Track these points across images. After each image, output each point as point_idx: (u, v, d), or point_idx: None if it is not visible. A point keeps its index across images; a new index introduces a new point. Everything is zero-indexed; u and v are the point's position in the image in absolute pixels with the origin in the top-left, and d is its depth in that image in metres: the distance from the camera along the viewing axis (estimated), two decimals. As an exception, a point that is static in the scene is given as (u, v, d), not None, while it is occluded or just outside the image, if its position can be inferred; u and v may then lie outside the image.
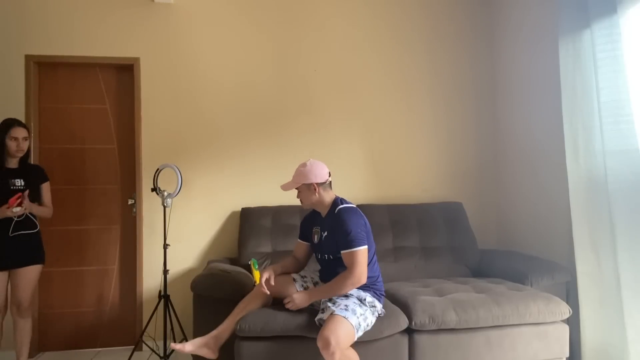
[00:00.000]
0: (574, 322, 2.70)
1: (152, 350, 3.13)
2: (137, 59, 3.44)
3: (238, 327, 2.23)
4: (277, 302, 2.42)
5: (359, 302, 2.22)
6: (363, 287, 2.29)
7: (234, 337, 2.27)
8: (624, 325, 2.38)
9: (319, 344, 2.03)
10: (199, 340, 2.24)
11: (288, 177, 2.45)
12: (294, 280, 2.41)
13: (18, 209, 2.57)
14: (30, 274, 2.73)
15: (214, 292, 2.56)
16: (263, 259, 3.09)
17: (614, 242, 2.43)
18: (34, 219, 2.75)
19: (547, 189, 3.20)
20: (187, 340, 2.43)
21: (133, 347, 3.22)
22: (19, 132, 2.68)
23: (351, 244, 2.19)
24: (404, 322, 2.36)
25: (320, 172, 2.32)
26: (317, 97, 3.62)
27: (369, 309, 2.24)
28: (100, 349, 3.42)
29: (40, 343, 3.35)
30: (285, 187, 2.36)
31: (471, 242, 3.34)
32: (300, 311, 2.32)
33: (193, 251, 3.45)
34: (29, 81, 3.33)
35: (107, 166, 3.49)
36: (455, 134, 3.76)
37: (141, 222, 3.41)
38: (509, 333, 2.44)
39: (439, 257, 3.25)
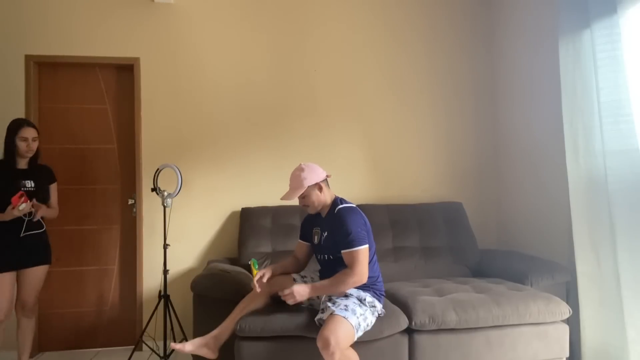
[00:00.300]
0: (574, 322, 2.70)
1: (152, 350, 3.13)
2: (137, 59, 3.44)
3: (238, 327, 2.23)
4: (277, 302, 2.42)
5: (359, 302, 2.22)
6: (363, 287, 2.29)
7: (234, 337, 2.27)
8: (624, 325, 2.38)
9: (319, 344, 2.03)
10: (198, 340, 2.24)
11: (288, 177, 2.43)
12: (294, 280, 2.41)
13: (24, 205, 2.54)
14: (38, 274, 2.73)
15: (214, 292, 2.56)
16: (263, 259, 3.09)
17: (614, 242, 2.43)
18: (40, 219, 2.74)
19: (547, 189, 3.20)
20: (187, 340, 2.43)
21: (133, 347, 3.23)
22: (29, 133, 2.67)
23: (352, 243, 2.19)
24: (404, 322, 2.36)
25: (318, 171, 2.34)
26: (317, 98, 3.62)
27: (368, 309, 2.24)
28: (100, 349, 3.42)
29: (40, 343, 3.35)
30: (291, 196, 2.29)
31: (471, 242, 3.34)
32: (300, 311, 2.32)
33: (193, 251, 3.46)
34: (29, 81, 3.33)
35: (107, 166, 3.49)
36: (455, 134, 3.76)
37: (141, 222, 3.41)
38: (509, 333, 2.44)
39: (439, 257, 3.25)
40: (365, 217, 2.33)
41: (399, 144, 3.70)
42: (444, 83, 3.77)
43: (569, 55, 2.71)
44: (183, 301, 3.32)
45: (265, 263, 3.07)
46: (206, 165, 3.49)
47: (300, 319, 2.26)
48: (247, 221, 3.27)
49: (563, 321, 2.52)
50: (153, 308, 3.18)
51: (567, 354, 2.51)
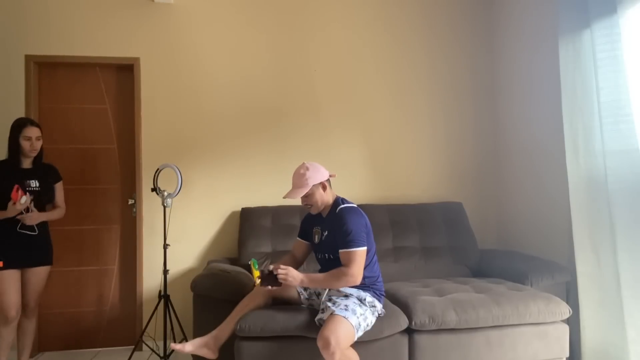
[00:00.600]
0: (574, 322, 2.70)
1: (152, 350, 3.13)
2: (137, 59, 3.44)
3: (238, 327, 2.23)
4: (277, 302, 2.42)
5: (359, 302, 2.22)
6: (363, 287, 2.29)
7: (234, 337, 2.27)
8: (624, 325, 2.38)
9: (319, 343, 2.03)
10: (198, 341, 2.24)
11: (288, 177, 2.43)
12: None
13: (24, 198, 2.52)
14: (40, 275, 2.73)
15: (214, 292, 2.56)
16: (263, 259, 3.09)
17: (614, 242, 2.43)
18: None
19: (547, 189, 3.20)
20: (187, 340, 2.43)
21: (133, 347, 3.22)
22: (32, 132, 2.66)
23: (350, 244, 2.19)
24: (404, 322, 2.36)
25: (322, 170, 2.34)
26: (317, 98, 3.62)
27: (369, 309, 2.24)
28: (100, 349, 3.42)
29: (40, 343, 3.35)
30: (295, 195, 2.28)
31: (471, 242, 3.34)
32: (300, 311, 2.32)
33: (193, 251, 3.45)
34: (29, 81, 3.33)
35: (107, 166, 3.49)
36: (455, 134, 3.76)
37: (141, 222, 3.41)
38: (509, 333, 2.44)
39: (439, 257, 3.25)
40: (366, 217, 2.33)
41: (399, 144, 3.70)
42: (444, 83, 3.77)
43: (569, 55, 2.71)
44: (183, 301, 3.32)
45: (265, 263, 3.07)
46: (206, 165, 3.49)
47: (300, 319, 2.26)
48: (247, 221, 3.27)
49: (563, 321, 2.52)
50: (153, 308, 3.18)
51: (567, 354, 2.51)
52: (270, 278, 2.16)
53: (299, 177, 2.30)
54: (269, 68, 3.58)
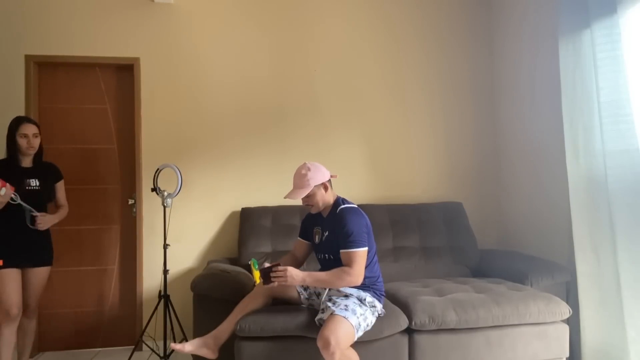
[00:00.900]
0: (574, 322, 2.70)
1: (152, 350, 3.13)
2: (137, 59, 3.44)
3: (238, 327, 2.23)
4: (277, 302, 2.43)
5: (359, 302, 2.22)
6: (363, 287, 2.29)
7: (234, 337, 2.27)
8: (624, 325, 2.38)
9: (319, 343, 2.03)
10: (198, 341, 2.24)
11: (288, 177, 2.44)
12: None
13: (3, 190, 2.43)
14: (41, 275, 2.71)
15: (214, 292, 2.56)
16: (263, 259, 3.09)
17: (614, 242, 2.43)
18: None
19: (547, 189, 3.20)
20: (187, 340, 2.43)
21: (133, 347, 3.23)
22: (29, 129, 2.63)
23: (351, 244, 2.19)
24: (404, 322, 2.36)
25: (323, 171, 2.34)
26: (317, 98, 3.62)
27: (369, 309, 2.24)
28: (100, 349, 3.42)
29: (40, 343, 3.35)
30: (296, 195, 2.27)
31: (471, 242, 3.34)
32: (300, 311, 2.32)
33: (193, 251, 3.46)
34: (29, 81, 3.33)
35: (107, 166, 3.49)
36: (455, 134, 3.76)
37: (141, 222, 3.41)
38: (509, 333, 2.44)
39: (439, 257, 3.25)
40: (367, 218, 2.33)
41: (399, 144, 3.70)
42: (444, 83, 3.77)
43: (569, 55, 2.71)
44: (183, 301, 3.32)
45: (264, 263, 3.07)
46: (206, 165, 3.49)
47: (300, 319, 2.26)
48: (247, 221, 3.27)
49: (563, 321, 2.52)
50: (153, 308, 3.18)
51: (567, 354, 2.51)
52: (266, 276, 2.16)
53: (300, 178, 2.29)
54: (269, 68, 3.58)
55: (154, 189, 3.05)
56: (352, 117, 3.65)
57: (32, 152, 2.67)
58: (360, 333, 2.17)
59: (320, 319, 2.18)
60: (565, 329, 2.50)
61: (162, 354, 2.99)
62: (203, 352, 2.22)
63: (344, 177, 3.55)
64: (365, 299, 2.25)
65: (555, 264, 2.91)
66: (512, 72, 3.59)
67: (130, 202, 3.47)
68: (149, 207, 3.41)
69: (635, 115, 2.35)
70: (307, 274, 2.19)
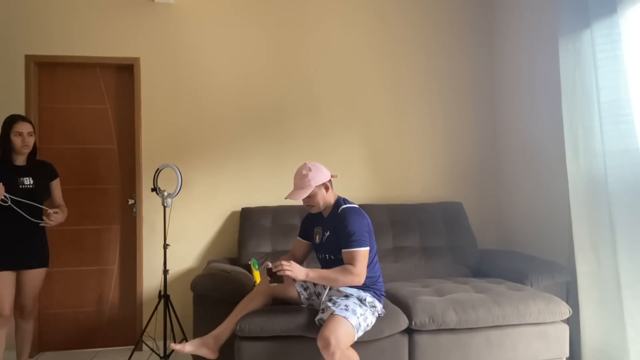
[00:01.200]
0: (574, 322, 2.70)
1: (152, 350, 3.13)
2: (137, 59, 3.44)
3: (238, 327, 2.23)
4: (277, 302, 2.43)
5: (359, 302, 2.22)
6: (363, 287, 2.29)
7: (234, 337, 2.27)
8: (624, 325, 2.38)
9: (319, 344, 2.03)
10: (198, 341, 2.24)
11: (288, 177, 2.43)
12: (294, 280, 2.41)
13: None
14: (37, 277, 2.68)
15: (214, 292, 2.56)
16: (263, 259, 3.09)
17: (614, 242, 2.43)
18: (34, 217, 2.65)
19: (547, 189, 3.20)
20: (187, 340, 2.43)
21: (133, 347, 3.22)
22: (24, 127, 2.60)
23: (353, 244, 2.19)
24: (404, 322, 2.36)
25: (324, 171, 2.33)
26: (317, 98, 3.62)
27: (369, 309, 2.24)
28: (100, 349, 3.42)
29: (40, 343, 3.35)
30: (297, 196, 2.26)
31: (471, 242, 3.34)
32: (300, 311, 2.32)
33: (193, 251, 3.46)
34: (29, 81, 3.33)
35: (107, 166, 3.49)
36: (455, 134, 3.76)
37: (141, 222, 3.41)
38: (509, 333, 2.44)
39: (439, 257, 3.25)
40: (368, 217, 2.33)
41: (399, 143, 3.70)
42: (444, 83, 3.77)
43: (569, 55, 2.71)
44: (183, 301, 3.32)
45: (265, 264, 3.07)
46: (206, 165, 3.49)
47: (300, 319, 2.26)
48: (247, 221, 3.27)
49: (563, 321, 2.52)
50: (153, 308, 3.18)
51: (567, 354, 2.51)
52: (273, 275, 2.16)
53: (301, 178, 2.29)
54: (269, 68, 3.58)
55: (154, 189, 3.05)
56: (352, 117, 3.65)
57: (27, 150, 2.64)
58: (361, 333, 2.17)
59: (321, 319, 2.18)
60: (565, 329, 2.50)
61: (162, 354, 2.99)
62: (203, 352, 2.22)
63: (344, 177, 3.54)
64: (365, 299, 2.25)
65: (555, 264, 2.91)
66: (512, 72, 3.59)
67: (130, 202, 3.47)
68: (149, 207, 3.41)
69: (635, 115, 2.35)
70: (311, 270, 2.18)
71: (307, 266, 2.58)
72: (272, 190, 3.48)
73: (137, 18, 3.45)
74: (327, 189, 2.33)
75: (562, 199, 2.96)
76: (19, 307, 2.66)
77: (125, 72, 3.50)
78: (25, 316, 2.71)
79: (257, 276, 2.34)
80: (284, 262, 2.13)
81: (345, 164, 3.60)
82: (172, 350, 2.56)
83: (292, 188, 2.35)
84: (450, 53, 3.78)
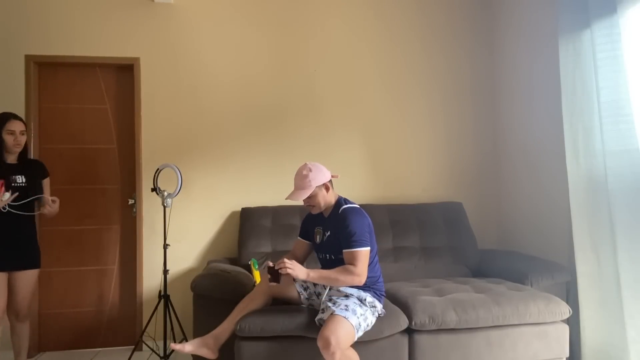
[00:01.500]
0: (574, 322, 2.70)
1: (152, 350, 3.13)
2: (137, 59, 3.44)
3: (238, 327, 2.23)
4: (277, 302, 2.43)
5: (359, 302, 2.22)
6: (363, 288, 2.29)
7: (234, 337, 2.27)
8: (624, 325, 2.39)
9: (319, 344, 2.03)
10: (198, 341, 2.24)
11: (288, 177, 2.43)
12: (294, 280, 2.41)
13: (7, 195, 2.47)
14: (30, 279, 2.66)
15: (214, 292, 2.56)
16: (263, 259, 3.08)
17: (614, 242, 2.43)
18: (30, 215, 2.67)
19: (547, 189, 3.20)
20: (187, 340, 2.43)
21: (133, 347, 3.22)
22: (16, 126, 2.60)
23: (354, 244, 2.19)
24: (404, 322, 2.36)
25: (324, 171, 2.33)
26: (317, 98, 3.62)
27: (369, 309, 2.24)
28: (100, 349, 3.42)
29: (40, 343, 3.35)
30: (298, 197, 2.26)
31: (471, 242, 3.34)
32: (300, 311, 2.32)
33: (193, 251, 3.46)
34: (29, 81, 3.33)
35: (107, 166, 3.49)
36: (455, 134, 3.76)
37: (141, 222, 3.41)
38: (509, 333, 2.44)
39: (439, 257, 3.25)
40: (369, 218, 2.33)
41: (399, 143, 3.70)
42: (444, 83, 3.77)
43: (569, 55, 2.71)
44: (183, 301, 3.32)
45: (265, 263, 3.07)
46: (206, 165, 3.49)
47: (300, 319, 2.26)
48: (247, 221, 3.27)
49: (563, 321, 2.53)
50: (153, 308, 3.18)
51: (567, 354, 2.51)
52: (274, 273, 2.15)
53: (301, 179, 2.29)
54: (269, 68, 3.58)
55: (154, 189, 3.05)
56: (352, 117, 3.65)
57: (18, 149, 2.64)
58: (361, 333, 2.17)
59: (321, 319, 2.18)
60: (565, 329, 2.50)
61: (162, 354, 2.99)
62: (203, 352, 2.22)
63: (344, 177, 3.54)
64: (365, 299, 2.25)
65: (555, 264, 2.91)
66: (512, 72, 3.59)
67: (130, 202, 3.47)
68: (149, 207, 3.41)
69: (635, 115, 2.35)
70: (312, 269, 2.19)
71: (308, 266, 2.59)
72: (272, 190, 3.48)
73: (137, 18, 3.45)
74: (327, 189, 2.33)
75: (562, 199, 2.96)
76: (13, 310, 2.65)
77: (125, 72, 3.50)
78: (21, 319, 2.69)
79: (257, 276, 2.34)
80: (286, 260, 2.14)
81: (345, 164, 3.60)
82: (172, 350, 2.57)
83: (292, 188, 2.35)
84: (450, 53, 3.78)
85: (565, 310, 2.48)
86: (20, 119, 2.66)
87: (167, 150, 3.45)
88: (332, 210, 2.37)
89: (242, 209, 3.37)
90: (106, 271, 3.47)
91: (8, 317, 2.67)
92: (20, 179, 2.63)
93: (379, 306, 2.30)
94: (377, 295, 2.32)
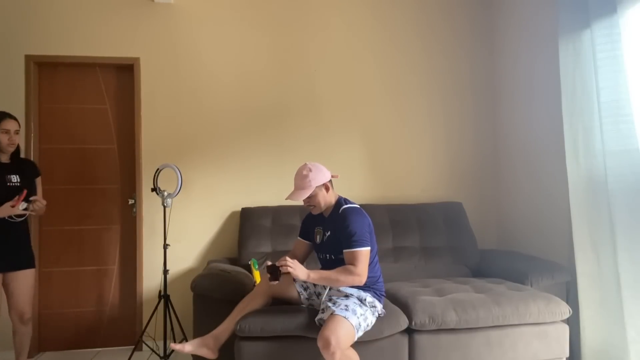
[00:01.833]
0: (574, 322, 2.70)
1: (152, 350, 3.13)
2: (137, 59, 3.44)
3: (238, 327, 2.23)
4: (277, 302, 2.43)
5: (359, 302, 2.22)
6: (363, 288, 2.29)
7: (234, 337, 2.27)
8: (624, 325, 2.38)
9: (320, 344, 2.03)
10: (198, 341, 2.24)
11: (288, 177, 2.43)
12: (294, 280, 2.41)
13: (23, 204, 2.52)
14: (29, 279, 2.66)
15: (214, 292, 2.56)
16: (263, 259, 3.09)
17: (614, 242, 2.43)
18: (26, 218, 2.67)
19: (547, 189, 3.20)
20: (187, 340, 2.43)
21: (133, 347, 3.22)
22: (11, 125, 2.60)
23: (355, 244, 2.19)
24: (404, 322, 2.36)
25: (324, 171, 2.34)
26: (317, 97, 3.62)
27: (369, 309, 2.24)
28: (100, 349, 3.42)
29: (40, 343, 3.35)
30: (298, 197, 2.27)
31: (471, 242, 3.34)
32: (300, 311, 2.32)
33: (193, 251, 3.46)
34: (29, 81, 3.33)
35: (107, 166, 3.49)
36: (455, 134, 3.76)
37: (141, 222, 3.41)
38: (509, 333, 2.44)
39: (439, 257, 3.25)
40: (369, 218, 2.33)
41: (399, 143, 3.70)
42: (444, 83, 3.77)
43: (569, 55, 2.71)
44: (183, 301, 3.32)
45: (264, 263, 3.07)
46: (206, 165, 3.49)
47: (300, 319, 2.26)
48: (247, 221, 3.27)
49: (563, 321, 2.53)
50: (153, 308, 3.18)
51: (567, 354, 2.51)
52: (274, 271, 2.15)
53: (301, 179, 2.29)
54: (269, 68, 3.58)
55: (154, 189, 3.05)
56: (352, 117, 3.65)
57: (12, 149, 2.63)
58: (361, 333, 2.17)
59: (321, 319, 2.18)
60: (565, 329, 2.50)
61: (162, 354, 2.99)
62: (203, 352, 2.22)
63: (344, 177, 3.53)
64: (365, 299, 2.25)
65: (555, 264, 2.91)
66: (512, 72, 3.59)
67: (130, 202, 3.47)
68: (149, 207, 3.41)
69: (635, 115, 2.35)
70: (312, 271, 2.19)
71: (308, 266, 2.59)
72: (272, 190, 3.48)
73: (137, 18, 3.45)
74: (327, 189, 2.33)
75: (562, 199, 2.96)
76: (17, 313, 2.64)
77: (125, 72, 3.50)
78: (25, 322, 2.68)
79: (257, 276, 2.34)
80: (287, 259, 2.14)
81: (345, 164, 3.60)
82: (172, 350, 2.57)
83: (292, 188, 2.35)
84: (450, 53, 3.78)
85: (565, 310, 2.48)
86: (15, 119, 2.66)
87: (167, 150, 3.45)
88: (332, 210, 2.37)
89: (242, 209, 3.37)
90: (106, 271, 3.47)
91: (10, 319, 2.67)
92: (15, 179, 2.63)
93: (379, 306, 2.30)
94: (377, 295, 2.32)
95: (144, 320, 3.35)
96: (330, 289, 2.35)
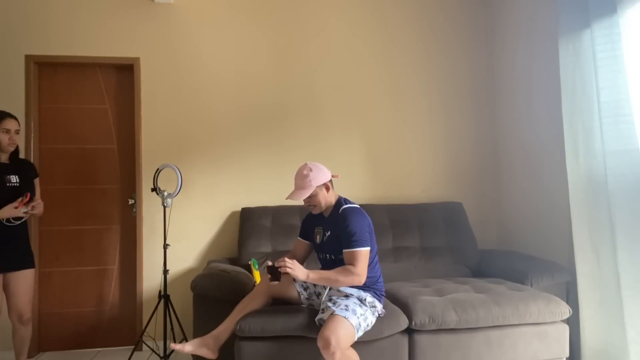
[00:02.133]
0: (574, 322, 2.70)
1: (152, 350, 3.13)
2: (137, 59, 3.44)
3: (238, 327, 2.23)
4: (277, 302, 2.43)
5: (359, 302, 2.22)
6: (364, 288, 2.29)
7: (234, 337, 2.27)
8: (624, 325, 2.38)
9: (320, 344, 2.03)
10: (198, 341, 2.24)
11: (288, 177, 2.43)
12: (294, 280, 2.41)
13: (27, 208, 2.53)
14: (27, 279, 2.65)
15: (214, 292, 2.56)
16: (263, 259, 3.09)
17: (614, 242, 2.43)
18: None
19: (547, 189, 3.20)
20: (187, 340, 2.43)
21: (133, 347, 3.22)
22: (12, 124, 2.60)
23: (354, 244, 2.19)
24: (404, 322, 2.36)
25: (325, 171, 2.34)
26: (317, 97, 3.62)
27: (369, 309, 2.24)
28: (100, 349, 3.42)
29: (40, 343, 3.35)
30: (298, 196, 2.26)
31: (471, 242, 3.34)
32: (300, 311, 2.32)
33: (193, 251, 3.46)
34: (29, 81, 3.33)
35: (107, 166, 3.49)
36: (455, 134, 3.76)
37: (141, 222, 3.41)
38: (509, 333, 2.44)
39: (439, 257, 3.25)
40: (369, 218, 2.33)
41: (399, 144, 3.70)
42: (444, 83, 3.77)
43: (569, 55, 2.71)
44: (183, 301, 3.32)
45: (265, 263, 3.07)
46: (206, 165, 3.49)
47: (300, 319, 2.26)
48: (247, 221, 3.27)
49: (563, 321, 2.53)
50: (153, 308, 3.18)
51: (567, 354, 2.51)
52: (274, 271, 2.15)
53: (302, 179, 2.29)
54: (269, 68, 3.58)
55: (154, 189, 3.05)
56: (352, 117, 3.65)
57: (12, 148, 2.63)
58: (361, 333, 2.17)
59: (321, 319, 2.18)
60: (565, 329, 2.50)
61: (162, 354, 2.99)
62: (203, 352, 2.22)
63: (344, 177, 3.54)
64: (365, 299, 2.25)
65: (555, 264, 2.91)
66: (512, 72, 3.59)
67: (130, 202, 3.47)
68: (149, 207, 3.41)
69: (635, 115, 2.35)
70: (312, 271, 2.19)
71: (308, 266, 2.59)
72: (272, 190, 3.48)
73: (137, 18, 3.45)
74: (327, 189, 2.33)
75: (562, 199, 2.96)
76: (17, 314, 2.64)
77: (125, 72, 3.50)
78: (24, 322, 2.68)
79: (257, 276, 2.34)
80: (287, 259, 2.14)
81: (345, 164, 3.60)
82: (172, 350, 2.57)
83: (292, 188, 2.35)
84: (450, 53, 3.78)
85: (565, 310, 2.48)
86: (15, 118, 2.65)
87: (167, 150, 3.45)
88: (332, 210, 2.37)
89: (242, 209, 3.37)
90: (106, 271, 3.47)
91: (10, 319, 2.67)
92: (14, 179, 2.63)
93: (379, 306, 2.30)
94: (377, 295, 2.32)
95: (144, 320, 3.35)
96: (330, 289, 2.35)
